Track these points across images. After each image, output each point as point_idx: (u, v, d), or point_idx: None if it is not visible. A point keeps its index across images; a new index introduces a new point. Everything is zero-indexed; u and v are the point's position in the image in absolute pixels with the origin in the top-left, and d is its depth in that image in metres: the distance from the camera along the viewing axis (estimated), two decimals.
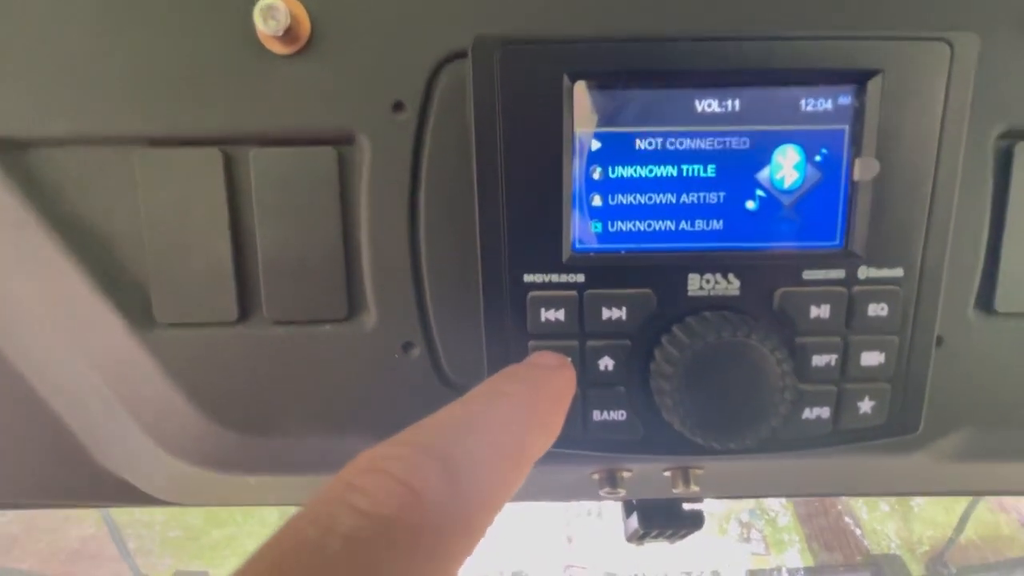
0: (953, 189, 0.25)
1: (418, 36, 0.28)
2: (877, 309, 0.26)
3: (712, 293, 0.26)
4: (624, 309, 0.26)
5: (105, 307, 0.30)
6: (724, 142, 0.26)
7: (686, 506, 0.44)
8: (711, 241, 0.26)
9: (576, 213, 0.26)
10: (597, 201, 0.26)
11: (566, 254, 0.26)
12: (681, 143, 0.26)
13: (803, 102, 0.25)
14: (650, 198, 0.26)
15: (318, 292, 0.30)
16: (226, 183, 0.29)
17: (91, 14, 0.27)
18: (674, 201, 0.26)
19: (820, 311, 0.26)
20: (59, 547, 1.42)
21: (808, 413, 0.27)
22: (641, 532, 0.46)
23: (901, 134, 0.25)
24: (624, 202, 0.26)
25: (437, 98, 0.28)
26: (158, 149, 0.29)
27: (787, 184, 0.26)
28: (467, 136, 0.26)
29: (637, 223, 0.26)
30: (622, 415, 0.27)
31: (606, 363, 0.26)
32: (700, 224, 0.26)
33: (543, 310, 0.26)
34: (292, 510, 0.16)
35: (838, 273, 0.26)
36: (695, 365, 0.24)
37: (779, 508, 1.66)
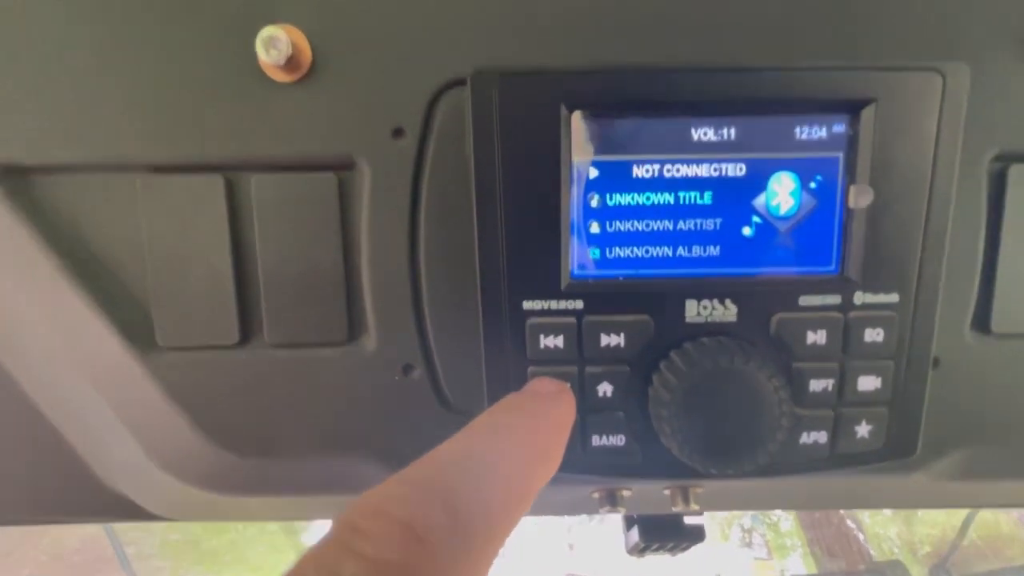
0: (947, 216, 0.26)
1: (418, 63, 0.28)
2: (873, 334, 0.26)
3: (710, 319, 0.26)
4: (622, 335, 0.26)
5: (107, 330, 0.30)
6: (720, 169, 0.26)
7: (687, 520, 0.44)
8: (708, 267, 0.26)
9: (574, 240, 0.26)
10: (595, 228, 0.26)
11: (564, 281, 0.26)
12: (678, 170, 0.26)
13: (798, 130, 0.25)
14: (647, 225, 0.26)
15: (319, 315, 0.30)
16: (228, 208, 0.29)
17: (94, 42, 0.28)
18: (671, 228, 0.26)
19: (817, 336, 0.26)
20: (58, 552, 1.42)
21: (805, 438, 0.27)
22: (642, 546, 0.46)
23: (895, 162, 0.25)
24: (622, 229, 0.26)
25: (437, 124, 0.28)
26: (160, 175, 0.29)
27: (783, 211, 0.26)
28: (466, 161, 0.26)
29: (635, 249, 0.26)
30: (621, 440, 0.27)
31: (605, 389, 0.27)
32: (697, 250, 0.26)
33: (542, 336, 0.26)
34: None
35: (834, 299, 0.26)
36: (693, 392, 0.25)
37: (781, 513, 1.66)
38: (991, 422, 0.31)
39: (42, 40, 0.28)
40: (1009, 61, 0.28)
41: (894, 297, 0.26)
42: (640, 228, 0.26)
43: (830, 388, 0.26)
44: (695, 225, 0.26)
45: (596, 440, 0.27)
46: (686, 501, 0.34)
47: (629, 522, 0.47)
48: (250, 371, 0.30)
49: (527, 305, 0.26)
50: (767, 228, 0.26)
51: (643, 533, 0.46)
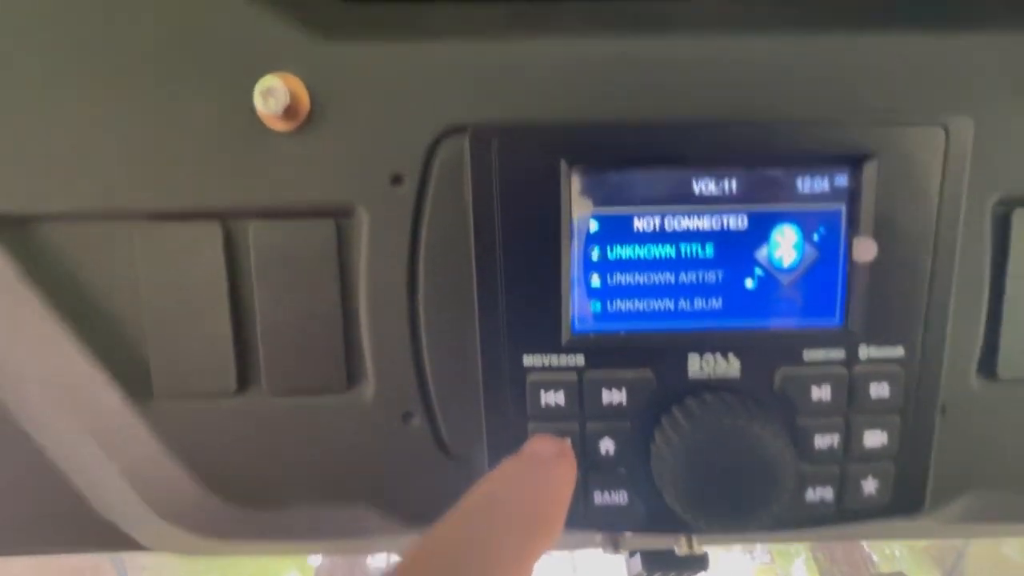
0: (952, 268, 0.25)
1: (416, 111, 0.28)
2: (879, 389, 0.26)
3: (712, 375, 0.26)
4: (624, 390, 0.26)
5: (104, 378, 0.30)
6: (722, 221, 0.26)
7: None
8: (710, 320, 0.26)
9: (575, 295, 0.26)
10: (596, 281, 0.26)
11: (565, 336, 0.26)
12: (679, 223, 0.26)
13: (800, 183, 0.25)
14: (649, 278, 0.26)
15: (317, 363, 0.30)
16: (225, 256, 0.29)
17: (91, 90, 0.27)
18: (673, 281, 0.26)
19: (821, 392, 0.26)
20: (55, 560, 1.42)
21: (811, 494, 0.27)
22: (644, 575, 0.46)
23: (898, 215, 0.25)
24: (623, 282, 0.26)
25: (436, 171, 0.28)
26: (157, 223, 0.29)
27: (786, 263, 0.26)
28: (466, 208, 0.26)
29: (636, 303, 0.26)
30: (624, 497, 0.27)
31: (607, 446, 0.26)
32: (699, 303, 0.26)
33: (543, 392, 0.26)
34: None
35: (838, 353, 0.26)
36: (695, 449, 0.24)
37: None
38: (999, 467, 0.31)
39: (39, 89, 0.27)
40: (1011, 105, 0.27)
41: (899, 351, 0.26)
42: (642, 281, 0.26)
43: (836, 444, 0.26)
44: (697, 278, 0.26)
45: (599, 497, 0.27)
46: (690, 545, 0.34)
47: (631, 550, 0.47)
48: (248, 419, 0.30)
49: (527, 361, 0.26)
50: (770, 280, 0.26)
51: (645, 563, 0.45)
